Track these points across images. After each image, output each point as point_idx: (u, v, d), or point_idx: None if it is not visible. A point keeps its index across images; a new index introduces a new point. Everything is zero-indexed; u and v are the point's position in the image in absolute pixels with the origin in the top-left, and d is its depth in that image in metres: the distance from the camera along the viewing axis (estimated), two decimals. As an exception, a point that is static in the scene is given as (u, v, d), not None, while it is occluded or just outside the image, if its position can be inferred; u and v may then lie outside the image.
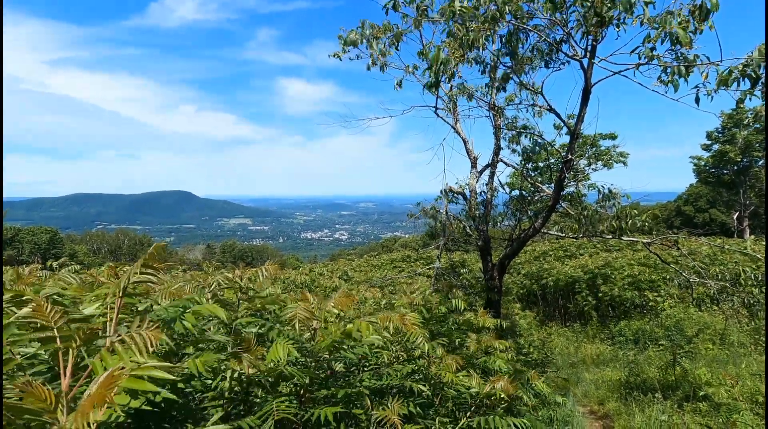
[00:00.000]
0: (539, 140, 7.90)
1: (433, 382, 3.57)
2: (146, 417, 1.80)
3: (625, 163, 15.35)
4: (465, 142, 8.25)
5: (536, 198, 8.34)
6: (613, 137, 15.97)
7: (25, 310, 1.27)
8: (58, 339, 1.23)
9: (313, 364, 2.49)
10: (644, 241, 7.52)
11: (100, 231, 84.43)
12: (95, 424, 0.94)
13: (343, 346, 2.46)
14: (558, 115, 6.10)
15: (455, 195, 8.14)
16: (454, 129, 8.19)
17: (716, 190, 36.99)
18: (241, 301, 3.09)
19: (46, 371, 1.64)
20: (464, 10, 3.98)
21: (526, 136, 7.93)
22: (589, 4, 3.89)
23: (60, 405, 1.02)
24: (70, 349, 1.24)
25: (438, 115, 8.04)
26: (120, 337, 1.25)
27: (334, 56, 7.62)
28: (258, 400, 2.62)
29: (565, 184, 6.62)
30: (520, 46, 5.54)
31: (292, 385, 2.44)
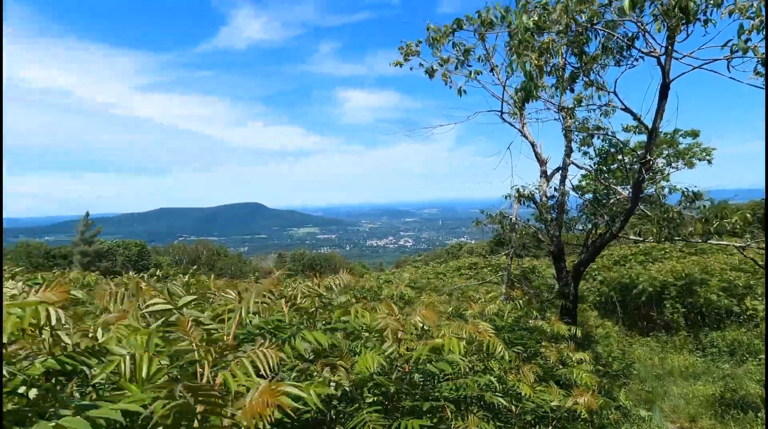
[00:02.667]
0: (612, 140, 7.55)
1: (510, 393, 3.52)
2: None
3: (709, 161, 14.25)
4: (533, 146, 8.06)
5: (611, 201, 7.96)
6: (695, 134, 14.83)
7: (160, 306, 1.44)
8: (196, 352, 1.38)
9: (397, 374, 2.55)
10: (737, 244, 6.94)
11: (181, 243, 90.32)
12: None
13: (429, 360, 2.51)
14: (633, 114, 5.81)
15: (525, 199, 7.96)
16: (522, 133, 8.03)
17: (821, 184, 33.20)
18: (319, 310, 3.22)
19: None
20: (539, 24, 3.94)
21: (598, 137, 7.60)
22: (674, 0, 3.69)
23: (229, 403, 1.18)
24: (206, 363, 1.39)
25: (504, 120, 7.93)
26: (247, 354, 1.39)
27: (395, 65, 7.82)
28: (340, 408, 2.72)
29: (644, 185, 6.28)
30: (588, 44, 5.37)
31: (376, 395, 2.51)
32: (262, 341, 1.71)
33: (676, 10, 3.74)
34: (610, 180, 8.09)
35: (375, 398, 2.63)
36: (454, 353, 2.29)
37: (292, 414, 1.25)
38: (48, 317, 1.61)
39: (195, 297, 2.02)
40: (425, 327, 2.88)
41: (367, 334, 2.78)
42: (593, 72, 5.62)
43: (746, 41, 3.80)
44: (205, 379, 1.51)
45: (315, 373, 2.38)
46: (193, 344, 1.57)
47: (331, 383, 2.43)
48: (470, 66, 6.95)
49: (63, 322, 1.70)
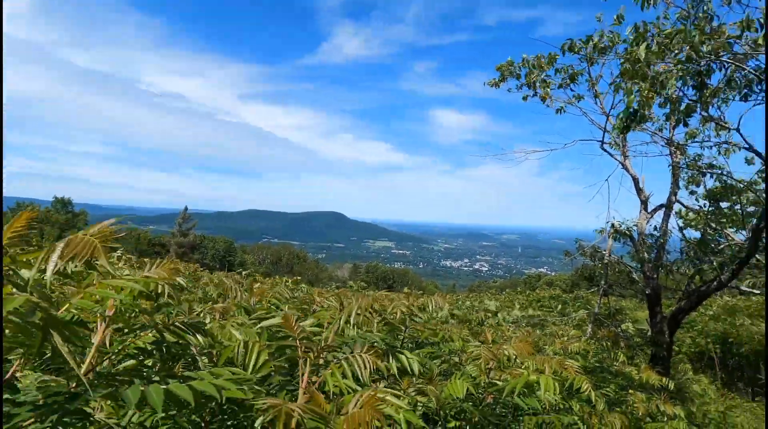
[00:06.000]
0: (729, 181, 6.90)
1: (595, 439, 3.31)
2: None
3: None
4: (635, 180, 7.58)
5: (721, 246, 7.25)
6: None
7: (276, 321, 1.55)
8: (299, 349, 1.47)
9: (482, 403, 2.51)
10: None
11: (265, 244, 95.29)
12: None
13: (519, 393, 2.45)
14: (759, 155, 5.28)
15: (621, 235, 7.48)
16: (623, 165, 7.59)
17: None
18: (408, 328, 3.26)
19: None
20: (651, 55, 3.76)
21: (711, 177, 6.99)
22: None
23: (332, 411, 1.24)
24: (308, 360, 1.48)
25: (605, 151, 7.55)
26: (346, 357, 1.46)
27: (491, 85, 7.69)
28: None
29: (764, 233, 5.67)
30: (710, 77, 4.99)
31: (458, 420, 2.49)
32: (363, 345, 1.77)
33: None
34: (722, 220, 7.38)
35: (457, 423, 2.61)
36: (550, 392, 2.21)
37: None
38: (158, 290, 1.79)
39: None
40: (516, 359, 2.81)
41: (456, 359, 2.76)
42: (713, 106, 5.21)
43: None
44: (306, 378, 1.59)
45: (402, 392, 2.41)
46: (297, 341, 1.66)
47: (419, 405, 2.45)
48: (573, 90, 6.74)
49: (170, 294, 1.88)
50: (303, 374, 1.52)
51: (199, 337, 1.41)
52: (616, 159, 7.62)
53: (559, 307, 18.24)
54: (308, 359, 1.53)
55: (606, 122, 7.31)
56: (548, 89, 6.80)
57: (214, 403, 1.57)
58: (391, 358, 2.11)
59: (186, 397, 1.03)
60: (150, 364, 1.54)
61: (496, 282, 70.09)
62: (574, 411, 3.52)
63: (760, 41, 3.62)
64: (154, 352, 1.48)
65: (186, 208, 59.32)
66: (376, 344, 2.62)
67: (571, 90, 6.78)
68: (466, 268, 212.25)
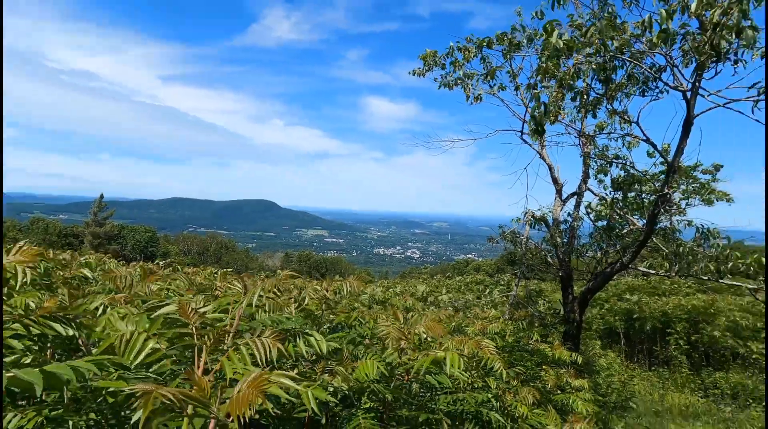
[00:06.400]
0: (631, 171, 7.51)
1: (507, 412, 3.51)
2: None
3: (729, 201, 14.04)
4: (551, 169, 8.05)
5: (625, 230, 7.90)
6: (717, 168, 14.57)
7: (171, 308, 1.47)
8: (195, 336, 1.41)
9: (397, 382, 2.56)
10: (750, 286, 6.83)
11: (191, 233, 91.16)
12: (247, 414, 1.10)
13: (429, 372, 2.52)
14: (655, 147, 5.78)
15: (538, 221, 7.94)
16: (540, 155, 8.03)
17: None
18: (324, 313, 3.25)
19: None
20: (568, 45, 3.96)
21: (616, 166, 7.58)
22: (705, 38, 3.70)
23: (214, 396, 1.19)
24: (204, 347, 1.41)
25: (524, 140, 7.93)
26: (245, 342, 1.41)
27: (416, 74, 7.71)
28: (336, 411, 2.74)
29: (658, 218, 6.23)
30: (615, 72, 5.38)
31: (374, 401, 2.52)
32: (263, 329, 1.73)
33: (707, 47, 3.74)
34: (624, 209, 8.04)
35: (372, 404, 2.64)
36: (454, 368, 2.30)
37: (275, 411, 1.25)
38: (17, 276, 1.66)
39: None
40: (428, 338, 2.90)
41: (368, 341, 2.80)
42: (617, 100, 5.62)
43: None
44: (202, 365, 1.53)
45: (315, 376, 2.40)
46: (192, 328, 1.59)
47: (330, 386, 2.45)
48: (494, 84, 6.98)
49: (30, 280, 1.74)
50: (199, 362, 1.47)
51: (72, 328, 1.31)
52: (533, 148, 8.04)
53: (487, 291, 19.07)
54: (204, 346, 1.48)
55: (525, 113, 7.67)
56: (470, 82, 7.00)
57: (100, 399, 1.48)
58: (298, 339, 2.09)
59: (33, 380, 0.96)
60: (29, 361, 1.41)
61: (427, 268, 71.91)
62: (491, 389, 3.70)
63: (655, 41, 3.95)
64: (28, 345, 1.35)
65: (102, 196, 55.23)
66: (290, 328, 2.59)
67: (490, 86, 7.04)
68: (398, 256, 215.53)
